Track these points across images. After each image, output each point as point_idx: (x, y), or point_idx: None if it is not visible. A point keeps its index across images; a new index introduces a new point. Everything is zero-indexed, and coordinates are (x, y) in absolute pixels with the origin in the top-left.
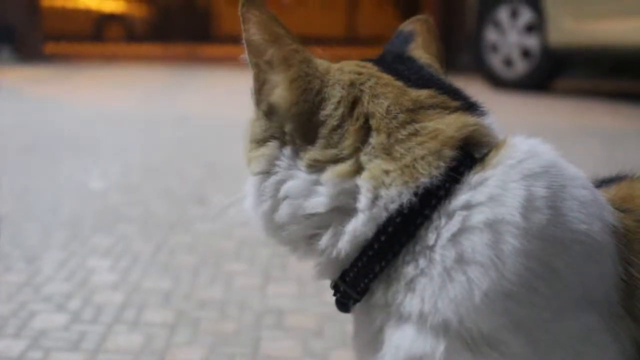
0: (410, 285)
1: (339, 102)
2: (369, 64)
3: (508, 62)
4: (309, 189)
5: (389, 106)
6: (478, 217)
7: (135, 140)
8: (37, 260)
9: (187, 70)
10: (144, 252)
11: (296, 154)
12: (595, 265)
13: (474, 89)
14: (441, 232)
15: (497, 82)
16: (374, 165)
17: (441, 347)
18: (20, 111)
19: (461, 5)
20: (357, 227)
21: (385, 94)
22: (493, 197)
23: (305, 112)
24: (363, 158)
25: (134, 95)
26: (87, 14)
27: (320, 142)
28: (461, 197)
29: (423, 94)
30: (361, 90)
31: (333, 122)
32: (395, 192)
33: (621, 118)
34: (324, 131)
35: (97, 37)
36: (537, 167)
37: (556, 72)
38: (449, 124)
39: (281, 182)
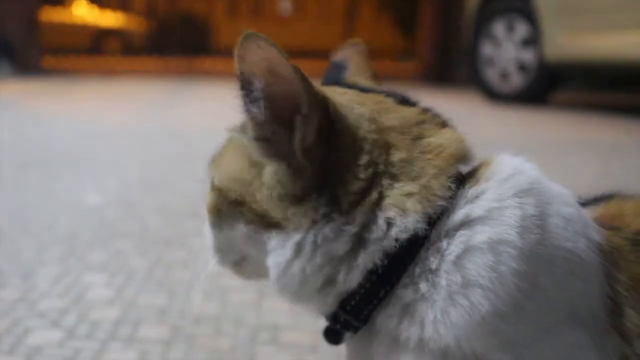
0: (408, 309)
1: (372, 144)
2: (348, 90)
3: (504, 76)
4: (340, 231)
5: (401, 122)
6: (479, 237)
7: (132, 155)
8: (32, 276)
9: (185, 84)
10: (140, 267)
11: (334, 199)
12: (580, 283)
13: (471, 102)
14: (444, 255)
15: (493, 96)
16: (395, 191)
17: None
18: (17, 125)
19: (457, 19)
20: (368, 259)
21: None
22: (491, 212)
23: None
24: (384, 182)
25: (132, 109)
26: (85, 28)
27: (349, 178)
28: (460, 212)
29: (413, 110)
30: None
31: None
32: (412, 219)
33: (618, 131)
34: (353, 167)
35: (95, 50)
36: (525, 184)
37: (552, 85)
38: (448, 140)
39: (321, 233)
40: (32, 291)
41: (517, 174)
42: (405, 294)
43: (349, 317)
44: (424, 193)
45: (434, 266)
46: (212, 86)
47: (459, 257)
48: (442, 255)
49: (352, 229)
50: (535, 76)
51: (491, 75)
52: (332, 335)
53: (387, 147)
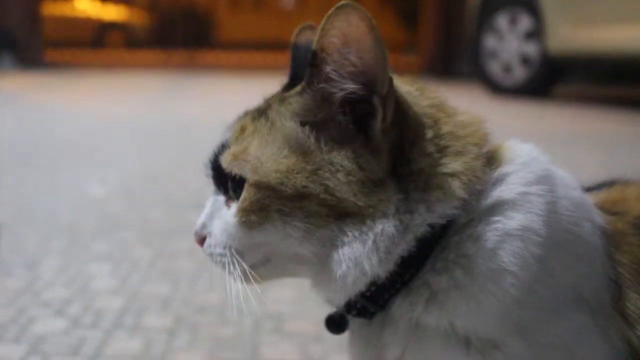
0: (437, 296)
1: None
2: None
3: (507, 69)
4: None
5: (436, 99)
6: (512, 224)
7: (135, 148)
8: (36, 266)
9: (188, 77)
10: (144, 257)
11: (404, 182)
12: (585, 266)
13: (473, 96)
14: (481, 241)
15: (496, 89)
16: (442, 169)
17: (467, 356)
18: (20, 118)
19: (460, 12)
20: (405, 247)
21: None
22: (520, 197)
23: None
24: (436, 157)
25: (134, 102)
26: (88, 21)
27: (414, 156)
28: (491, 195)
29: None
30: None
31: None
32: (451, 205)
33: (620, 124)
34: (420, 143)
35: (97, 44)
36: (542, 169)
37: (555, 78)
38: (474, 119)
39: (404, 220)
40: (36, 281)
41: (535, 159)
42: (436, 280)
43: (367, 304)
44: (468, 175)
45: (470, 252)
46: (214, 79)
47: (496, 244)
48: (478, 242)
49: (409, 215)
50: (538, 69)
51: (494, 68)
52: (336, 323)
53: (437, 122)
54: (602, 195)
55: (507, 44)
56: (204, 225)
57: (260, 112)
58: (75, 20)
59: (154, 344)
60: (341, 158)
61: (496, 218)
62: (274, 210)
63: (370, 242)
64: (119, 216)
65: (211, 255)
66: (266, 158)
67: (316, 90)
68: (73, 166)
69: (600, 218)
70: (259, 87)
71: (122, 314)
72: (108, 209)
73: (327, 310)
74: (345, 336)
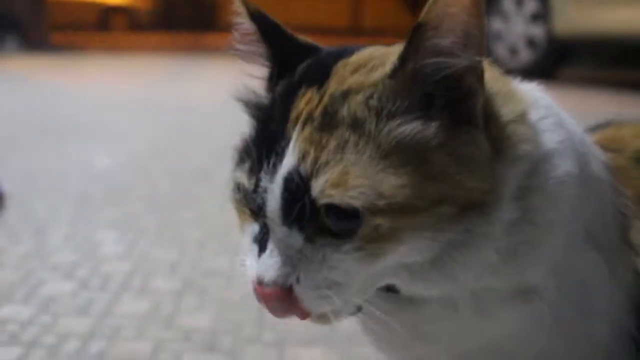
0: (509, 253)
1: None
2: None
3: (513, 51)
4: None
5: None
6: (560, 172)
7: (141, 125)
8: (45, 233)
9: (192, 59)
10: (151, 226)
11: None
12: (597, 201)
13: None
14: (542, 192)
15: (502, 71)
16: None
17: (529, 313)
18: (28, 97)
19: None
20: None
21: None
22: (559, 143)
23: None
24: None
25: (139, 83)
26: (92, 5)
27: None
28: (538, 142)
29: None
30: None
31: None
32: (520, 162)
33: (626, 107)
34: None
35: (102, 27)
36: (558, 111)
37: (561, 61)
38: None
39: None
40: (45, 246)
41: (549, 101)
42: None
43: None
44: (523, 118)
45: (535, 205)
46: (218, 62)
47: (552, 193)
48: (541, 194)
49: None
50: (544, 51)
51: (500, 50)
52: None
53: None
54: (598, 135)
55: (513, 26)
56: (287, 275)
57: (329, 115)
58: (80, 3)
59: (162, 305)
60: (461, 144)
61: (548, 167)
62: (407, 229)
63: (497, 232)
64: (126, 187)
65: (334, 312)
66: (382, 175)
67: (416, 71)
68: (80, 141)
69: (602, 154)
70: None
71: (130, 277)
72: (115, 181)
73: None
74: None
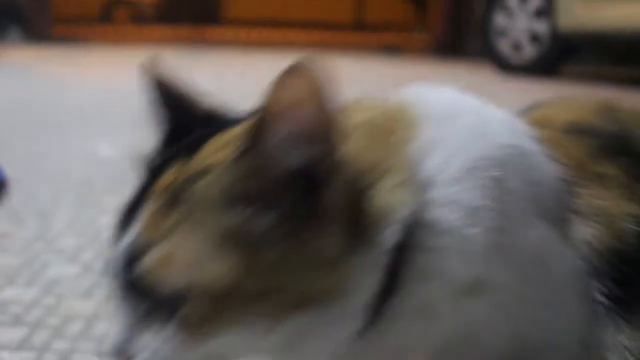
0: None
1: None
2: None
3: (517, 47)
4: None
5: None
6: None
7: (144, 115)
8: (49, 217)
9: (195, 52)
10: None
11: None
12: (538, 172)
13: (483, 74)
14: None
15: (506, 67)
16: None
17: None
18: (32, 86)
19: None
20: None
21: None
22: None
23: None
24: None
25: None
26: None
27: None
28: None
29: None
30: None
31: None
32: None
33: (630, 104)
34: None
35: (105, 19)
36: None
37: (565, 57)
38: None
39: None
40: (49, 230)
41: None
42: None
43: None
44: (411, 197)
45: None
46: (222, 55)
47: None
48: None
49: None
50: (548, 47)
51: (504, 46)
52: None
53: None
54: (527, 117)
55: (517, 21)
56: (126, 341)
57: (175, 194)
58: None
59: None
60: (305, 236)
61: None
62: (228, 315)
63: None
64: (128, 175)
65: None
66: (209, 260)
67: (259, 157)
68: (83, 130)
69: (533, 131)
70: (267, 64)
71: None
72: (118, 168)
73: None
74: None
